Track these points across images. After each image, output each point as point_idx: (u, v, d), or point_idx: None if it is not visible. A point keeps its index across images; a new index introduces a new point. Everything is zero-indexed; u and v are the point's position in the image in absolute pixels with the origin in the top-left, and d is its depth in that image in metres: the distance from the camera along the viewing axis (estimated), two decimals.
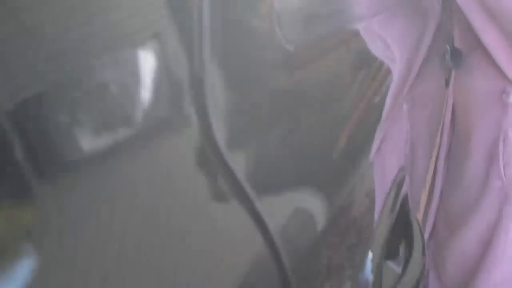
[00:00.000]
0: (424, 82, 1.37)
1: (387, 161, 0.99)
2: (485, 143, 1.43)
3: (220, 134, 0.46)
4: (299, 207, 0.58)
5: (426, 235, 1.71)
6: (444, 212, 1.63)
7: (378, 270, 0.66)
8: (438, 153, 1.56)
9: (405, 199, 0.83)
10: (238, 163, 0.49)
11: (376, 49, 0.99)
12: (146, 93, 0.40)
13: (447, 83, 1.37)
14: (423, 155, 1.34)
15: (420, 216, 1.22)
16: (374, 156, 0.90)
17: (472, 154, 1.46)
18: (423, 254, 0.77)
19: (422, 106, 1.37)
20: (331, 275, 0.61)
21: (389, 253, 0.78)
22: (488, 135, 1.41)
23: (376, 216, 0.72)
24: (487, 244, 1.53)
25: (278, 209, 0.53)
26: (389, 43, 1.06)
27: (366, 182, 0.79)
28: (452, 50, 1.39)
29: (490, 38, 1.34)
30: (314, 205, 0.59)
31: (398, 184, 0.76)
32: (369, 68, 0.86)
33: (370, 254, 0.65)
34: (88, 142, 0.35)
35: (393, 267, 0.80)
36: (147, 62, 0.40)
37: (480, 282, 1.58)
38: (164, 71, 0.42)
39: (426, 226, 1.68)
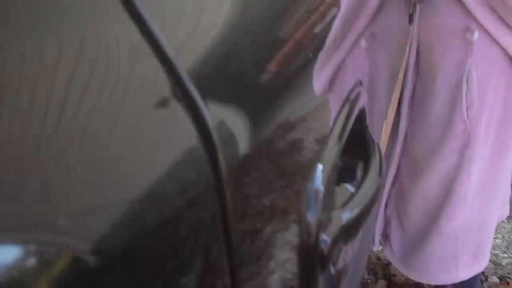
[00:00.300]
0: (386, 18, 1.31)
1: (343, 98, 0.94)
2: (449, 84, 1.38)
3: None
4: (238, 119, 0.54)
5: (389, 181, 1.68)
6: (408, 157, 1.60)
7: (330, 184, 0.62)
8: (401, 95, 1.52)
9: (362, 114, 0.78)
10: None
11: None
12: None
13: (410, 20, 1.31)
14: (383, 94, 1.30)
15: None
16: (328, 92, 0.85)
17: (436, 95, 1.41)
18: (379, 175, 0.73)
19: (383, 43, 1.31)
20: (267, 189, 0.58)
21: (345, 176, 0.76)
22: (452, 75, 1.36)
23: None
24: (449, 188, 1.51)
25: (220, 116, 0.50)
26: None
27: (319, 118, 0.74)
28: None
29: None
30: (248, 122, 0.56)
31: (353, 99, 0.71)
32: None
33: (320, 166, 0.61)
34: None
35: (349, 188, 0.76)
36: None
37: (441, 226, 1.56)
38: None
39: (389, 171, 1.66)
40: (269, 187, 0.59)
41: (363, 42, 1.22)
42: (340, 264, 0.81)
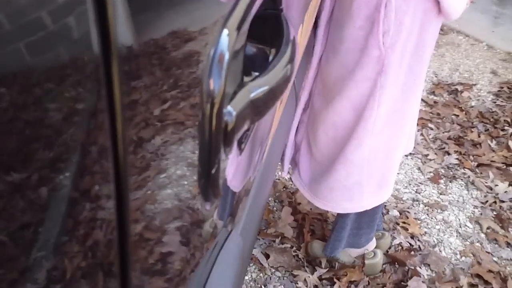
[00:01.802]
0: None
1: None
2: (367, 8, 1.35)
3: None
4: None
5: (301, 106, 1.66)
6: (321, 82, 1.57)
7: (237, 55, 0.57)
8: (318, 18, 1.47)
9: None
10: None
11: None
12: None
13: None
14: (296, 14, 1.24)
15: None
16: None
17: (353, 19, 1.38)
18: (290, 62, 0.67)
19: None
20: None
21: (256, 64, 0.70)
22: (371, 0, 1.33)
23: None
24: (359, 116, 1.50)
25: None
26: None
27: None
28: None
29: None
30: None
31: None
32: None
33: (225, 30, 0.55)
34: None
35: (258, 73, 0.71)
36: None
37: (348, 154, 1.57)
38: None
39: (302, 96, 1.63)
40: (160, 96, 0.53)
41: None
42: (247, 151, 0.76)
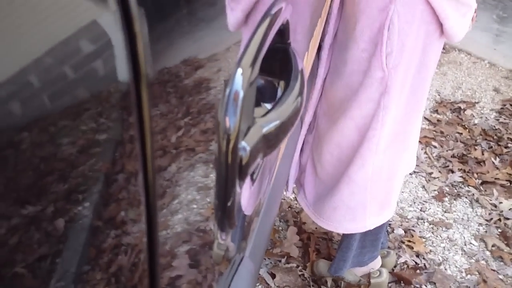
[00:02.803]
0: None
1: None
2: (370, 31, 1.37)
3: None
4: None
5: (305, 126, 1.68)
6: (325, 103, 1.59)
7: (250, 92, 0.59)
8: (322, 41, 1.50)
9: (285, 29, 0.74)
10: None
11: None
12: None
13: None
14: (301, 38, 1.26)
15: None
16: (243, 25, 0.80)
17: (356, 41, 1.40)
18: (301, 92, 0.70)
19: None
20: None
21: (266, 96, 0.73)
22: (374, 22, 1.36)
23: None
24: (363, 136, 1.52)
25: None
26: None
27: (230, 59, 0.70)
28: None
29: None
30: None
31: (275, 13, 0.67)
32: None
33: (239, 69, 0.57)
34: None
35: (268, 106, 0.74)
36: None
37: (352, 175, 1.58)
38: None
39: (306, 117, 1.65)
40: (176, 124, 0.55)
41: None
42: (254, 196, 0.79)
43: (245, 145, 0.59)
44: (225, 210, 0.63)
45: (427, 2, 1.32)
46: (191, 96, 0.59)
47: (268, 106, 0.70)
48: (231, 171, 0.59)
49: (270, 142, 0.65)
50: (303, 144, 1.74)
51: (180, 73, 0.56)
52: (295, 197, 1.99)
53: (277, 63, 0.73)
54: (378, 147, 1.53)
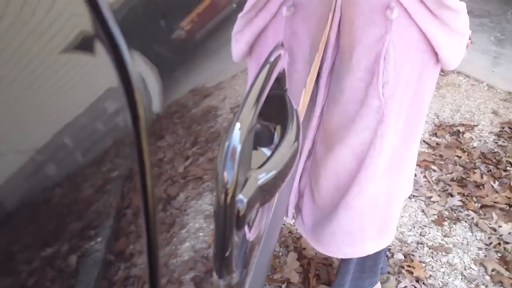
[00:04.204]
0: None
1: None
2: (366, 60, 1.39)
3: None
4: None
5: (304, 154, 1.69)
6: (323, 130, 1.61)
7: (247, 144, 0.61)
8: (320, 69, 1.52)
9: (282, 77, 0.77)
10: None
11: None
12: None
13: None
14: (302, 66, 1.28)
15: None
16: (248, 56, 0.82)
17: (353, 70, 1.42)
18: (296, 139, 0.72)
19: (305, 15, 1.30)
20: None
21: (262, 139, 0.76)
22: (371, 51, 1.38)
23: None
24: (360, 164, 1.53)
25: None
26: None
27: (235, 87, 0.72)
28: None
29: None
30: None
31: (273, 61, 0.70)
32: None
33: (237, 124, 0.60)
34: None
35: (265, 151, 0.76)
36: None
37: (349, 201, 1.59)
38: None
39: (305, 144, 1.66)
40: (183, 154, 0.57)
41: (284, 11, 1.20)
42: (255, 228, 0.80)
43: (242, 197, 0.62)
44: (223, 259, 0.65)
45: (421, 31, 1.34)
46: (199, 125, 0.61)
47: (265, 150, 0.72)
48: (229, 223, 0.61)
49: (267, 191, 0.67)
50: (302, 171, 1.75)
51: (188, 103, 0.58)
52: (295, 223, 2.00)
53: (274, 109, 0.75)
54: (375, 174, 1.54)
